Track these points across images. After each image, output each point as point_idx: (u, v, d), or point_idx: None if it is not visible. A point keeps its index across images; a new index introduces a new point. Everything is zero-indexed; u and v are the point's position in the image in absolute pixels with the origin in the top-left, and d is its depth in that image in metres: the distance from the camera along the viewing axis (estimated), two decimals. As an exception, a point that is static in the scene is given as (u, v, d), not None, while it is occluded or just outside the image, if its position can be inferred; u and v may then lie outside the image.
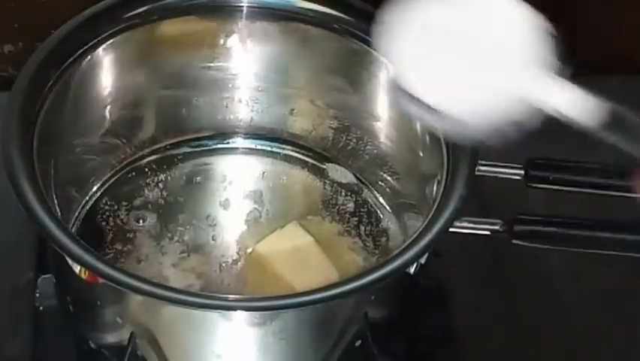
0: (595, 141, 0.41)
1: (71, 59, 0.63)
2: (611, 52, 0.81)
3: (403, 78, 0.37)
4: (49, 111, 0.61)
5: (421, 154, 0.65)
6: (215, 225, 0.68)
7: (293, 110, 0.71)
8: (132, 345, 0.57)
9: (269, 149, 0.72)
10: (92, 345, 0.61)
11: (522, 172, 0.63)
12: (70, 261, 0.54)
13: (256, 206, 0.69)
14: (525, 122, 0.36)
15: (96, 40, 0.64)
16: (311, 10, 0.66)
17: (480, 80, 0.36)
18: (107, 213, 0.68)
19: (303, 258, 0.65)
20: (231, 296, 0.61)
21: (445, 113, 0.37)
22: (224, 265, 0.65)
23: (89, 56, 0.64)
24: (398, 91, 0.37)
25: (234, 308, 0.55)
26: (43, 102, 0.60)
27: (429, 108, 0.37)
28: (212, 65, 0.69)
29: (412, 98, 0.37)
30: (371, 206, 0.70)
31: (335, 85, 0.68)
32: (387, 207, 0.69)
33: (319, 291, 0.53)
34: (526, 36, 0.36)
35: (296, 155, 0.72)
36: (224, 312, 0.55)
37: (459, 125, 0.37)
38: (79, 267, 0.54)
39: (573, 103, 0.36)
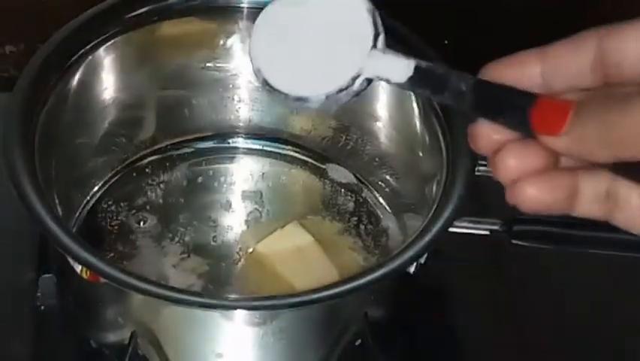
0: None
1: (72, 59, 0.63)
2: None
3: (265, 74, 0.44)
4: (51, 112, 0.61)
5: (421, 154, 0.65)
6: (215, 225, 0.68)
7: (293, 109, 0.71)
8: (133, 345, 0.57)
9: (269, 149, 0.72)
10: (93, 345, 0.61)
11: (522, 172, 0.63)
12: (71, 261, 0.54)
13: (256, 206, 0.69)
14: (357, 89, 0.43)
15: (97, 41, 0.64)
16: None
17: (325, 64, 0.43)
18: (108, 214, 0.68)
19: (303, 258, 0.65)
20: (232, 296, 0.61)
21: (299, 97, 0.44)
22: (224, 265, 0.66)
23: (90, 57, 0.64)
24: (264, 85, 0.44)
25: (235, 308, 0.55)
26: (45, 103, 0.61)
27: (287, 96, 0.44)
28: (212, 65, 0.70)
29: (274, 90, 0.44)
30: (371, 206, 0.70)
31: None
32: (387, 207, 0.69)
33: (319, 291, 0.53)
34: (355, 17, 0.43)
35: (296, 155, 0.72)
36: (225, 311, 0.55)
37: (310, 105, 0.44)
38: (80, 267, 0.54)
39: (387, 67, 0.42)
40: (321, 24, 0.44)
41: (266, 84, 0.44)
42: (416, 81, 0.42)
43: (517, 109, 0.40)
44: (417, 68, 0.42)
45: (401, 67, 0.42)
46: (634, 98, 0.37)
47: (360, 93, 0.43)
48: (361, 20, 0.43)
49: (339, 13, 0.44)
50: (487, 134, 0.41)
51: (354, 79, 0.43)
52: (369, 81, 0.43)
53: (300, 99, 0.44)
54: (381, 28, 0.43)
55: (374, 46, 0.43)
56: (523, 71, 0.41)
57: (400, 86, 0.42)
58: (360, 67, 0.43)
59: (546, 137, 0.39)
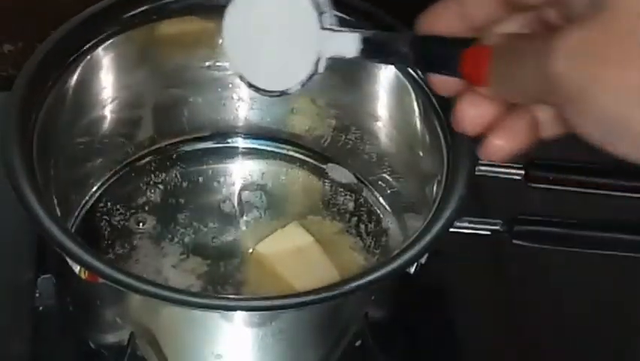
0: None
1: (71, 58, 0.63)
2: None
3: (247, 78, 0.49)
4: (49, 111, 0.61)
5: (421, 154, 0.65)
6: (215, 225, 0.68)
7: (293, 109, 0.71)
8: (132, 345, 0.57)
9: (269, 149, 0.72)
10: (92, 345, 0.61)
11: (522, 172, 0.63)
12: (70, 261, 0.54)
13: (256, 206, 0.69)
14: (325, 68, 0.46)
15: (96, 40, 0.64)
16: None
17: (292, 54, 0.47)
18: (107, 214, 0.68)
19: (303, 258, 0.65)
20: (231, 296, 0.61)
21: (280, 91, 0.48)
22: (224, 265, 0.65)
23: (89, 56, 0.64)
24: (249, 87, 0.49)
25: (234, 308, 0.55)
26: (43, 102, 0.60)
27: (271, 92, 0.48)
28: (211, 64, 0.69)
29: (259, 89, 0.49)
30: (371, 206, 0.70)
31: (335, 84, 0.68)
32: (388, 207, 0.69)
33: (319, 291, 0.53)
34: (300, 4, 0.46)
35: (296, 155, 0.72)
36: (225, 312, 0.55)
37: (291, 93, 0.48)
38: (79, 267, 0.54)
39: (340, 44, 0.45)
40: (278, 18, 0.46)
41: (250, 85, 0.49)
42: (367, 52, 0.45)
43: (450, 63, 0.42)
44: (364, 40, 0.45)
45: (351, 41, 0.45)
46: (531, 49, 0.38)
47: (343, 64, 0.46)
48: (305, 5, 0.45)
49: (288, 4, 0.46)
50: (442, 80, 0.44)
51: (316, 63, 0.46)
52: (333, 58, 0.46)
53: (281, 93, 0.48)
54: (325, 7, 0.45)
55: (322, 26, 0.45)
56: (447, 17, 0.43)
57: (357, 59, 0.45)
58: (318, 50, 0.46)
59: (478, 87, 0.41)
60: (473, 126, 0.43)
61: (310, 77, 0.46)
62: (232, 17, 0.48)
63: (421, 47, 0.44)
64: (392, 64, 0.45)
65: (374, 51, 0.45)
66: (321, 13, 0.45)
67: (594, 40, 0.37)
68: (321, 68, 0.46)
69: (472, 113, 0.42)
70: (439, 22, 0.43)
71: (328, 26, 0.45)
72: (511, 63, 0.40)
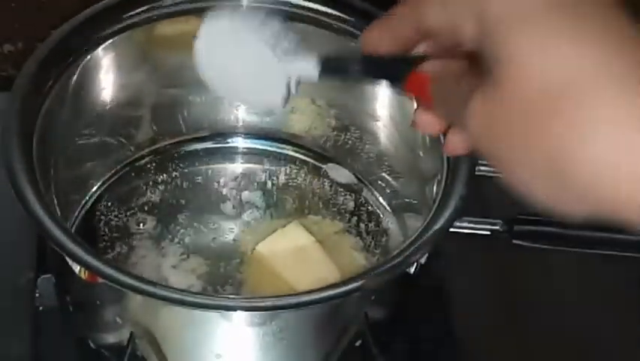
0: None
1: (71, 58, 0.63)
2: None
3: (225, 95, 0.51)
4: (49, 111, 0.61)
5: (421, 154, 0.65)
6: (215, 225, 0.68)
7: (293, 109, 0.71)
8: (132, 345, 0.57)
9: (268, 149, 0.72)
10: (92, 345, 0.61)
11: (522, 172, 0.63)
12: (69, 261, 0.54)
13: (256, 206, 0.69)
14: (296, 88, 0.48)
15: (96, 40, 0.64)
16: (311, 10, 0.66)
17: (268, 78, 0.48)
18: (107, 214, 0.68)
19: (304, 258, 0.65)
20: (231, 296, 0.61)
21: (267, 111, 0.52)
22: (224, 265, 0.65)
23: (89, 56, 0.64)
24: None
25: (234, 308, 0.55)
26: (43, 102, 0.60)
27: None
28: (211, 64, 0.69)
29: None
30: (371, 206, 0.70)
31: (335, 84, 0.68)
32: (388, 207, 0.69)
33: (319, 291, 0.53)
34: (254, 39, 0.48)
35: (296, 155, 0.72)
36: (225, 312, 0.55)
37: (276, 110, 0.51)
38: (78, 267, 0.54)
39: (301, 68, 0.47)
40: (240, 53, 0.48)
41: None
42: (327, 74, 0.47)
43: (398, 81, 0.43)
44: (320, 63, 0.47)
45: (310, 65, 0.47)
46: (458, 98, 0.39)
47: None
48: (256, 42, 0.47)
49: (243, 42, 0.48)
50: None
51: (288, 85, 0.48)
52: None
53: (268, 112, 0.52)
54: (276, 38, 0.47)
55: (278, 58, 0.47)
56: (380, 39, 0.44)
57: (320, 79, 0.47)
58: (286, 75, 0.48)
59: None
60: (432, 127, 0.44)
61: (288, 97, 0.48)
62: (202, 55, 0.49)
63: (370, 67, 0.45)
64: (353, 81, 0.46)
65: (333, 73, 0.47)
66: (274, 45, 0.47)
67: (493, 116, 0.37)
68: (293, 90, 0.48)
69: (428, 118, 0.43)
70: (375, 44, 0.45)
71: (284, 57, 0.47)
72: (444, 99, 0.41)
